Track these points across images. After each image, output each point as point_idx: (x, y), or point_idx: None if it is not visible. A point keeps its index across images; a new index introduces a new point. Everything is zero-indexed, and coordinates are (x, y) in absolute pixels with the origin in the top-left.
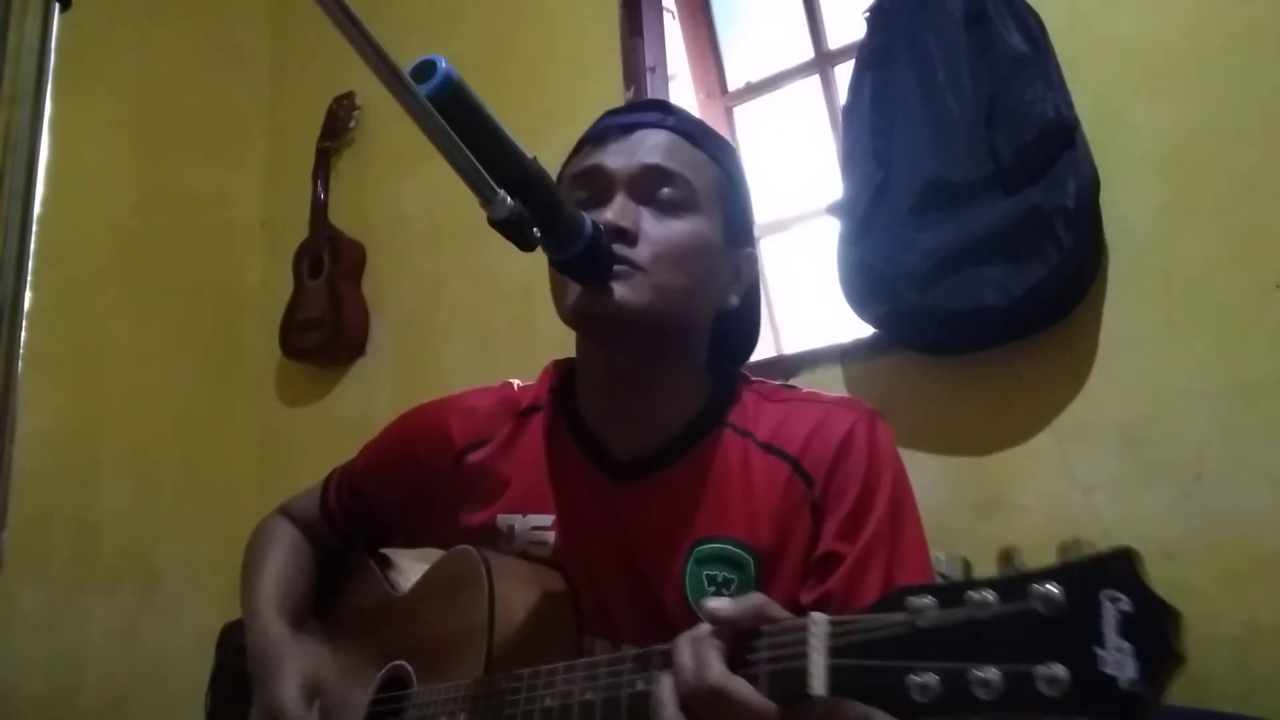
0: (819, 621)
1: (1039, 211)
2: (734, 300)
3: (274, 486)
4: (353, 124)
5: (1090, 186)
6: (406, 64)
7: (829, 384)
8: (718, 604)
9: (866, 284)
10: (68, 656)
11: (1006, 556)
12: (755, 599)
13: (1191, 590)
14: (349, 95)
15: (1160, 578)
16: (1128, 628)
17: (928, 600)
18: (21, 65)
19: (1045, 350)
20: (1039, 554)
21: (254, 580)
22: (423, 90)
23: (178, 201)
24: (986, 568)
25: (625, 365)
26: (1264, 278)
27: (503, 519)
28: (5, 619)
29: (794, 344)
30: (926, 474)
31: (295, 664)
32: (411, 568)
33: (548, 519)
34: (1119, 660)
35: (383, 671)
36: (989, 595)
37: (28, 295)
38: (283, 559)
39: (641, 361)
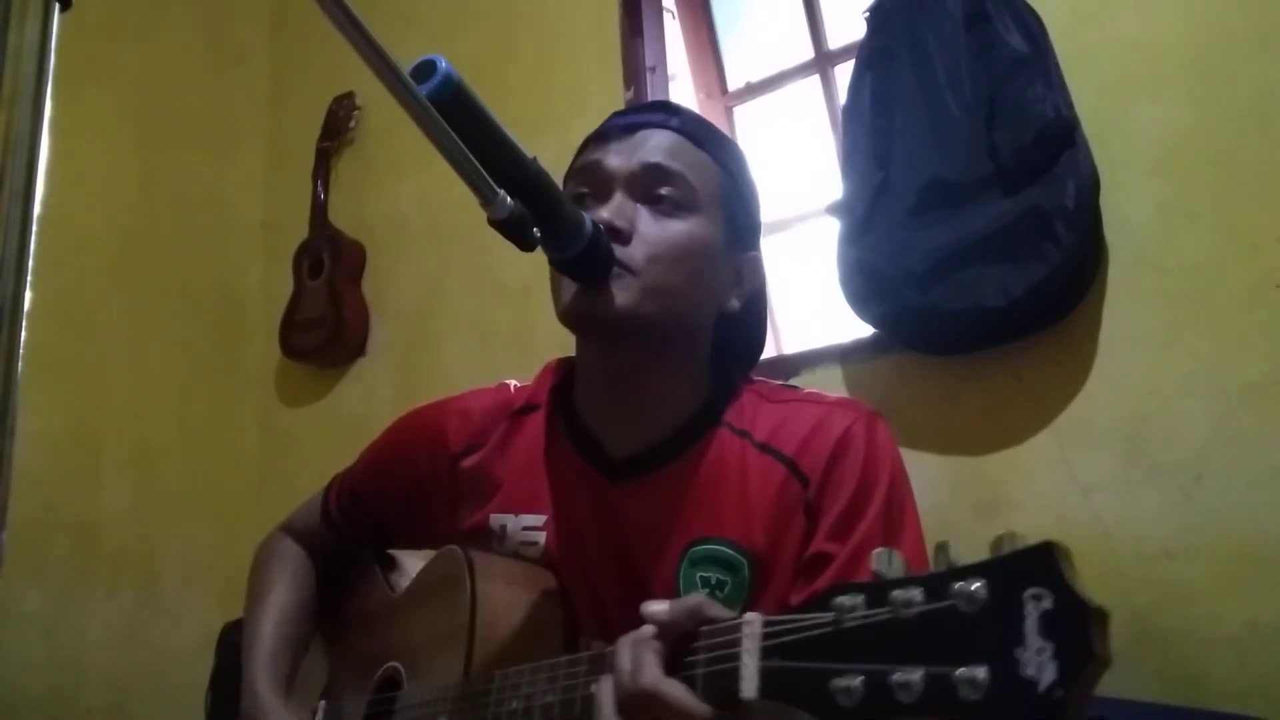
0: (753, 622)
1: (1039, 211)
2: (735, 303)
3: (274, 486)
4: (353, 124)
5: (1090, 186)
6: (406, 64)
7: (829, 384)
8: (655, 606)
9: (866, 284)
10: (68, 656)
11: (998, 544)
12: (694, 599)
13: (1191, 590)
14: (349, 95)
15: (1160, 578)
16: (1049, 627)
17: (858, 598)
18: (21, 65)
19: (1045, 350)
20: None
21: (255, 624)
22: (423, 90)
23: (178, 201)
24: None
25: (620, 365)
26: (1264, 278)
27: (495, 519)
28: (5, 619)
29: (794, 344)
30: (926, 474)
31: None
32: (412, 567)
33: (540, 519)
34: (1039, 662)
35: (378, 673)
36: (915, 593)
37: (28, 295)
38: (285, 594)
39: (637, 362)
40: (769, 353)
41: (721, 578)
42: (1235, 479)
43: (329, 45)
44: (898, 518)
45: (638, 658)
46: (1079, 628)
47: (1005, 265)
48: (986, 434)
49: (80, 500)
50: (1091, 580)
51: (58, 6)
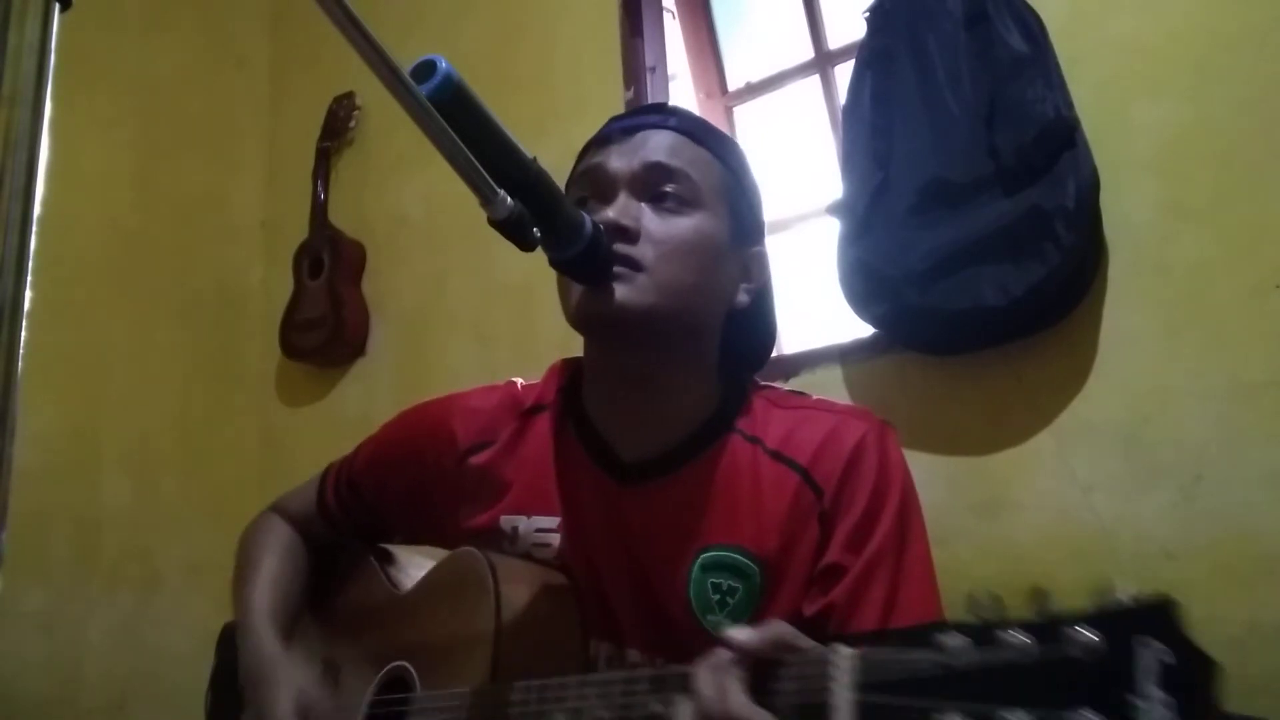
0: (844, 654)
1: (1039, 211)
2: (744, 299)
3: (274, 486)
4: (353, 124)
5: (1090, 186)
6: (406, 64)
7: (829, 384)
8: (739, 633)
9: (866, 284)
10: (68, 656)
11: (1037, 597)
12: (779, 628)
13: (1191, 590)
14: (349, 95)
15: (1160, 578)
16: (1168, 679)
17: (957, 639)
18: (21, 65)
19: (1045, 350)
20: (1040, 557)
21: (247, 587)
22: (423, 90)
23: (177, 201)
24: (985, 569)
25: (631, 367)
26: (1264, 278)
27: (506, 520)
28: (5, 619)
29: (794, 344)
30: (926, 474)
31: (288, 684)
32: (411, 563)
33: (553, 521)
34: (1155, 711)
35: (383, 672)
36: (1023, 637)
37: (28, 295)
38: (277, 563)
39: (647, 363)
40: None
41: (733, 584)
42: (1235, 479)
43: (329, 45)
44: (908, 528)
45: (722, 683)
46: (1202, 681)
47: (1005, 265)
48: (986, 434)
49: (80, 500)
50: (1091, 580)
51: (58, 6)
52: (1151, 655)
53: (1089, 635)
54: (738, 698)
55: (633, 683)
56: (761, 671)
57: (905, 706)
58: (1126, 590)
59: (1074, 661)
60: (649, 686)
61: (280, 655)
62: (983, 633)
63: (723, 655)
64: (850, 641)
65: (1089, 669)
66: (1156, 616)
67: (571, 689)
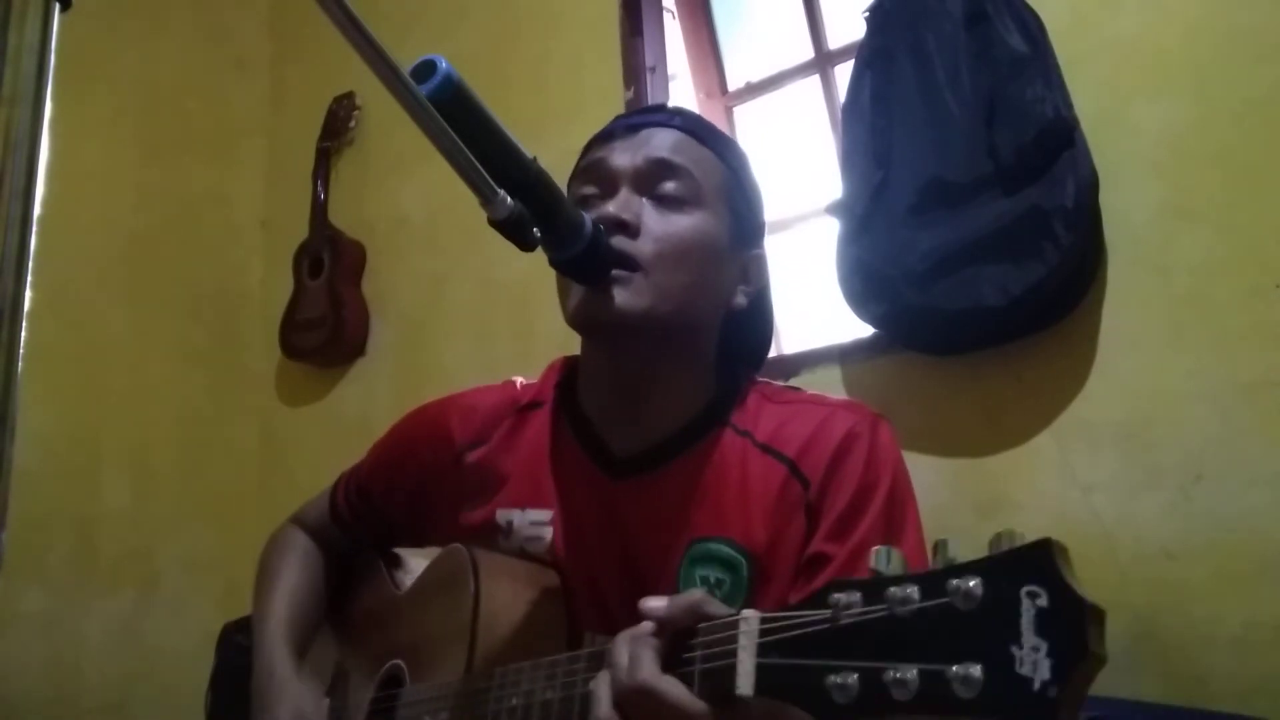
0: (750, 618)
1: (1038, 211)
2: (741, 301)
3: (274, 486)
4: (353, 124)
5: (1090, 186)
6: (406, 64)
7: (828, 384)
8: (653, 602)
9: (866, 284)
10: (68, 656)
11: (996, 542)
12: (692, 596)
13: (1191, 590)
14: (349, 95)
15: (1160, 578)
16: (1043, 624)
17: (854, 595)
18: (21, 65)
19: (1045, 350)
20: None
21: (264, 600)
22: (423, 90)
23: (178, 202)
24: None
25: (627, 365)
26: (1264, 278)
27: (501, 514)
28: (5, 619)
29: (794, 344)
30: (926, 474)
31: (289, 704)
32: (416, 565)
33: (546, 514)
34: (1034, 660)
35: (382, 670)
36: (911, 590)
37: (28, 295)
38: (294, 576)
39: (643, 362)
40: (769, 352)
41: (721, 576)
42: (1235, 479)
43: (329, 45)
44: (899, 520)
45: (635, 654)
46: (1074, 625)
47: (1005, 265)
48: (986, 434)
49: (80, 500)
50: (1091, 580)
51: (58, 6)
52: (1031, 601)
53: (972, 584)
54: (648, 667)
55: (575, 661)
56: (680, 640)
57: (802, 666)
58: (1020, 537)
59: (959, 613)
60: (586, 665)
61: (287, 675)
62: (873, 588)
63: (643, 626)
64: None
65: (973, 619)
66: (1036, 560)
67: (525, 674)
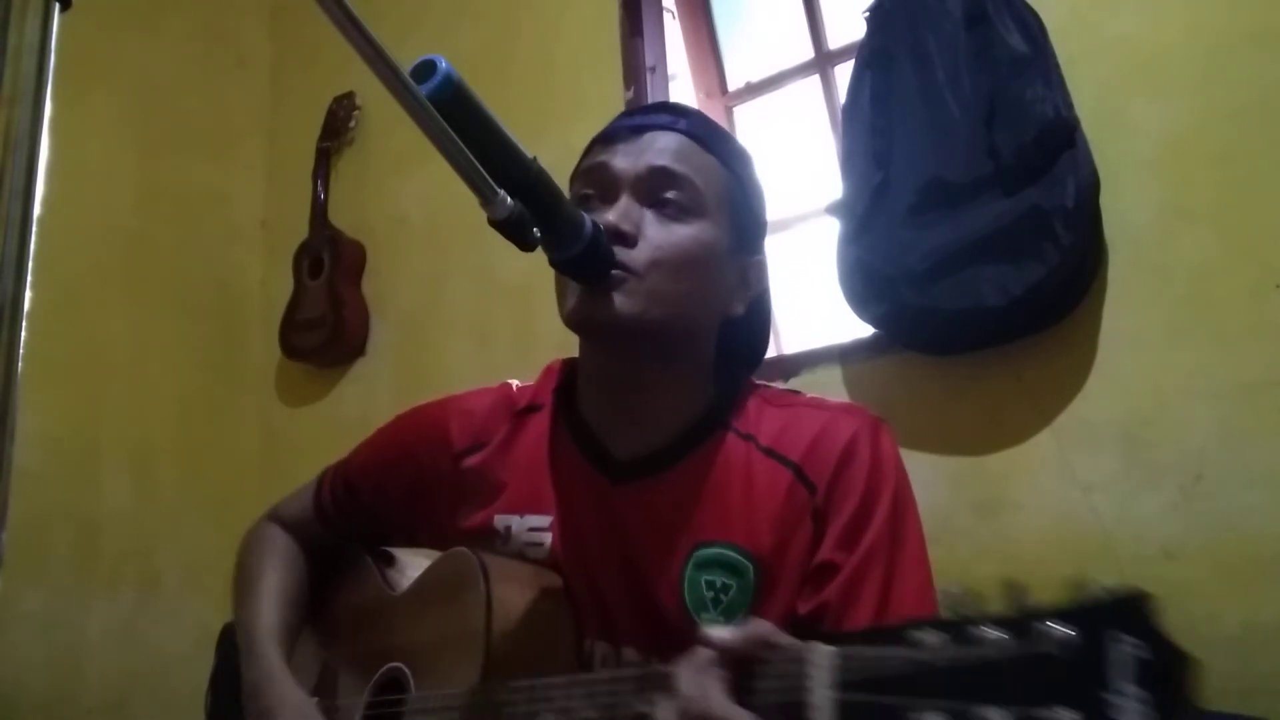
0: (822, 651)
1: (1038, 211)
2: (739, 307)
3: (274, 487)
4: (353, 124)
5: (1090, 186)
6: (406, 64)
7: (828, 384)
8: (719, 632)
9: (866, 284)
10: (68, 656)
11: (1013, 591)
12: (757, 625)
13: (1191, 590)
14: (349, 95)
15: (1160, 578)
16: (1142, 674)
17: (934, 636)
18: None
19: (1045, 350)
20: (1040, 556)
21: (248, 603)
22: (423, 90)
23: (178, 201)
24: (984, 568)
25: (624, 368)
26: (1264, 278)
27: (500, 519)
28: (5, 619)
29: (794, 344)
30: (926, 474)
31: (290, 709)
32: (410, 565)
33: (545, 520)
34: (1131, 707)
35: (379, 674)
36: (998, 633)
37: (28, 295)
38: (277, 577)
39: (640, 365)
40: (769, 353)
41: (726, 581)
42: (1235, 479)
43: (329, 45)
44: (901, 525)
45: (703, 684)
46: (1176, 677)
47: (1005, 265)
48: (986, 434)
49: (80, 500)
50: (1091, 580)
51: (58, 6)
52: (1126, 650)
53: (1063, 630)
54: (719, 697)
55: (618, 682)
56: (742, 670)
57: (884, 705)
58: (1103, 585)
59: (1049, 658)
60: (634, 686)
61: (287, 681)
62: (959, 629)
63: (704, 654)
64: (829, 639)
65: (1063, 665)
66: (1130, 611)
67: (559, 689)
